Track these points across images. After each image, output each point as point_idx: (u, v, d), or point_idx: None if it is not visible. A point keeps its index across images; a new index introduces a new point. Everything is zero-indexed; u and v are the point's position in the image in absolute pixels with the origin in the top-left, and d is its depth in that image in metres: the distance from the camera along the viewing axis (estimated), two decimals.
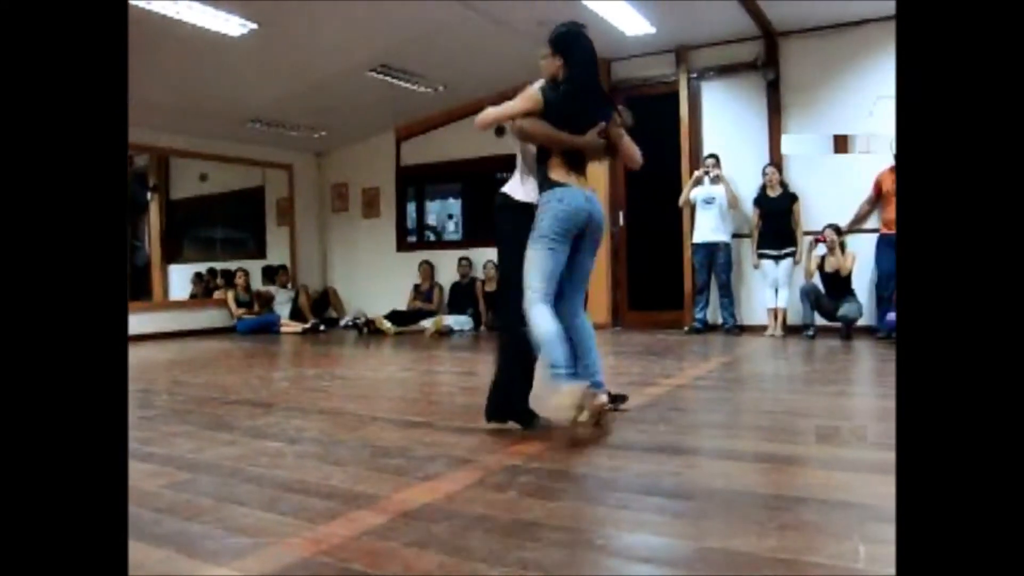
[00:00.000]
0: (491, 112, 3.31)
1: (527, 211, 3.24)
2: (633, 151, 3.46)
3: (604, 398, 3.23)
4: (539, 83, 3.36)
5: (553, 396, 3.03)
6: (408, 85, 8.40)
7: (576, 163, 3.25)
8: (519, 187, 3.37)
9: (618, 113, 3.44)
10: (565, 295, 3.31)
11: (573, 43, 3.29)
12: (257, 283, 10.13)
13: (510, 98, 3.31)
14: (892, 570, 1.63)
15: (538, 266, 3.15)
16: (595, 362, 3.26)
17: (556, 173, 3.20)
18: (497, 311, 3.34)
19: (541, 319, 3.10)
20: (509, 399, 3.33)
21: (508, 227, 3.32)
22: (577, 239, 3.22)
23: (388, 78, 8.10)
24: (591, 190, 3.26)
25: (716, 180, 7.71)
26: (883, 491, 2.25)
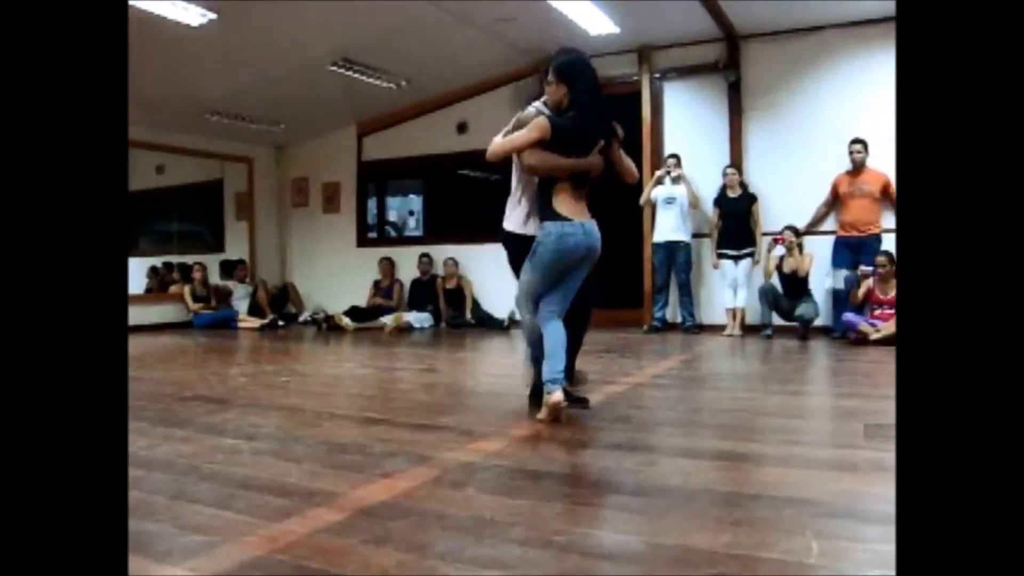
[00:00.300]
0: (500, 144, 3.44)
1: (527, 241, 3.45)
2: (630, 165, 3.65)
3: (559, 395, 3.24)
4: (533, 107, 3.52)
5: (550, 397, 3.24)
6: (370, 80, 8.34)
7: (580, 186, 3.42)
8: (517, 222, 3.57)
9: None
10: (549, 300, 3.43)
11: (579, 71, 3.45)
12: (215, 278, 9.98)
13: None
14: (843, 564, 1.66)
15: (528, 291, 3.43)
16: (558, 363, 3.29)
17: (561, 204, 3.37)
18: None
19: (551, 332, 3.34)
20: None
21: (513, 256, 3.58)
22: (572, 265, 3.40)
23: (350, 72, 8.03)
24: (590, 219, 3.44)
25: (677, 180, 7.77)
26: (836, 488, 2.29)
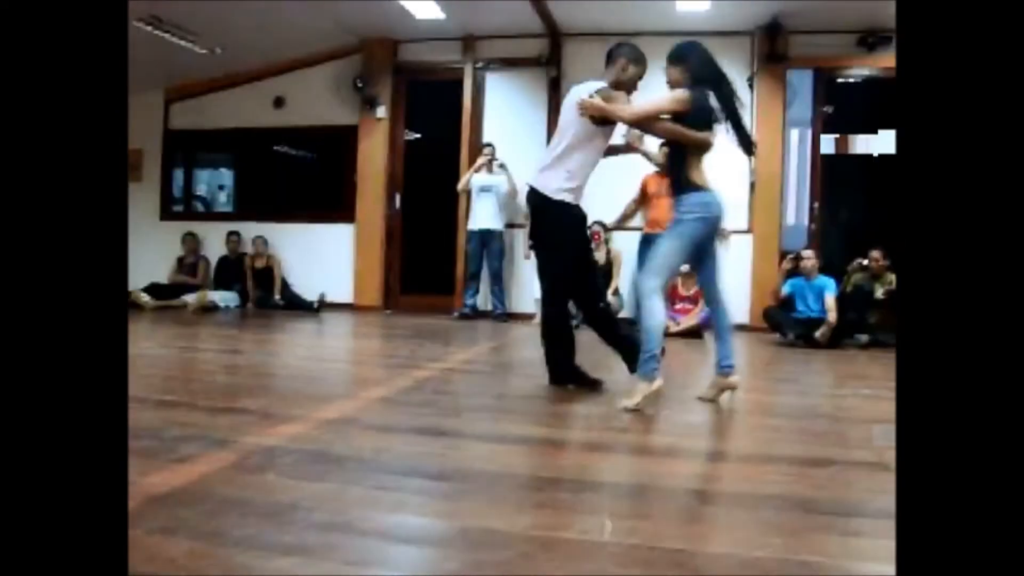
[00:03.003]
0: (644, 107, 3.64)
1: (555, 209, 3.73)
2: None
3: (734, 379, 3.51)
4: (594, 87, 3.79)
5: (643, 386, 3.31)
6: (181, 42, 7.87)
7: (702, 157, 3.49)
8: (554, 187, 3.77)
9: None
10: (709, 286, 3.61)
11: (689, 50, 3.62)
12: None
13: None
14: (632, 539, 1.76)
15: (671, 264, 3.47)
16: (727, 345, 3.50)
17: (698, 175, 3.43)
18: (558, 298, 3.90)
19: (658, 310, 3.36)
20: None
21: (540, 225, 3.83)
22: (707, 239, 3.47)
23: (158, 32, 7.54)
24: None
25: (494, 169, 7.90)
26: (631, 470, 2.42)
